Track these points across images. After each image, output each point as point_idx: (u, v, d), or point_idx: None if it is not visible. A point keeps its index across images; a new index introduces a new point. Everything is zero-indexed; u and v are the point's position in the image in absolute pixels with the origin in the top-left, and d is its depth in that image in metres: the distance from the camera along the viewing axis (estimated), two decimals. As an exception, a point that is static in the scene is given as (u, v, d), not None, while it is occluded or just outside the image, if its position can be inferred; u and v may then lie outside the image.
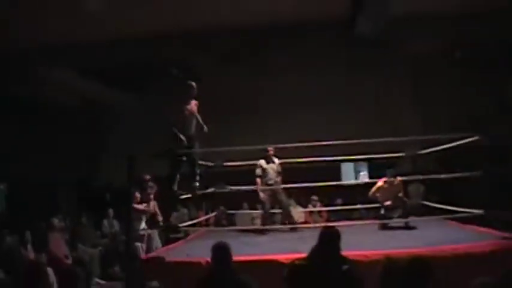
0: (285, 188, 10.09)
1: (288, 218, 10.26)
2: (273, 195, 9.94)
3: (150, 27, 12.01)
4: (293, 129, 14.17)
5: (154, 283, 4.36)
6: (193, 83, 8.72)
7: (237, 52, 14.07)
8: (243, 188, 9.37)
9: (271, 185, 9.83)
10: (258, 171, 9.85)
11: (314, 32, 13.00)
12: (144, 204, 9.86)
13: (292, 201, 13.99)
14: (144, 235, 9.87)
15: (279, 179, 10.08)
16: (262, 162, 9.94)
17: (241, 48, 13.73)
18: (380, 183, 9.84)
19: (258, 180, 9.81)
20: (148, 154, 7.39)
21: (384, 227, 9.50)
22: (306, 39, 13.51)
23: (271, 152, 10.00)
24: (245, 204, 13.45)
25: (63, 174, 15.70)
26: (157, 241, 10.11)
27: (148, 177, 10.09)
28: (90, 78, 14.71)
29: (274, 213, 10.57)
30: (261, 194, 9.83)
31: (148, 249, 9.49)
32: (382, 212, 9.72)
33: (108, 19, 11.22)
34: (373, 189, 9.88)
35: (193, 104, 8.76)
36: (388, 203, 9.61)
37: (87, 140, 16.52)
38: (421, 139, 11.52)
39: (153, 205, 10.06)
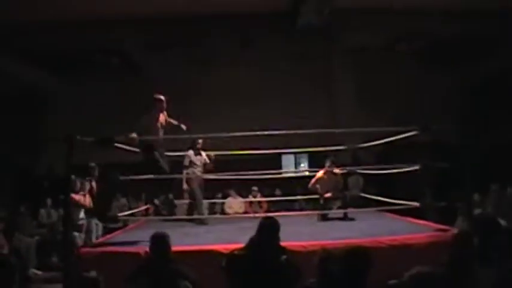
0: (213, 180, 9.98)
1: (194, 213, 10.07)
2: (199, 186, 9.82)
3: (90, 13, 11.78)
4: (233, 121, 14.14)
5: (92, 273, 4.27)
6: (162, 97, 8.50)
7: (178, 41, 13.98)
8: (172, 176, 9.11)
9: (198, 176, 9.71)
10: (186, 161, 9.69)
11: (257, 24, 12.99)
12: (81, 193, 9.68)
13: (232, 192, 14.03)
14: (82, 225, 9.71)
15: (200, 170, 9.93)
16: (190, 153, 9.78)
17: (183, 37, 13.63)
18: (320, 174, 9.91)
19: (185, 171, 9.63)
20: (89, 140, 7.21)
21: (324, 218, 9.57)
22: (248, 31, 13.51)
23: (199, 145, 9.84)
24: (186, 194, 13.37)
25: (3, 162, 15.32)
26: (96, 231, 9.96)
27: (93, 165, 9.92)
28: (31, 65, 14.36)
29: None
30: (185, 186, 9.62)
31: (87, 239, 9.33)
32: (321, 203, 9.77)
33: (51, 3, 10.98)
34: (313, 180, 9.95)
35: (161, 117, 8.51)
36: (328, 194, 9.69)
37: (28, 127, 16.13)
38: (361, 132, 11.66)
39: (88, 200, 9.86)
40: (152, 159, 8.05)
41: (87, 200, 9.81)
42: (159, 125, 8.47)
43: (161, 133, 8.53)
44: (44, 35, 12.76)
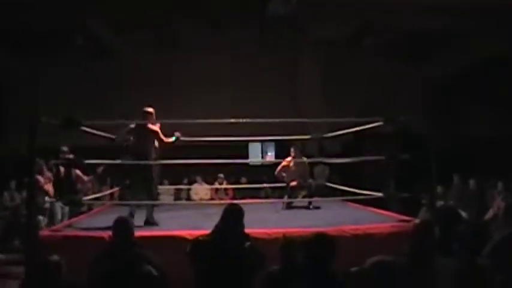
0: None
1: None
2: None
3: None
4: (201, 107, 14.10)
5: (55, 257, 4.25)
6: (151, 109, 8.25)
7: (147, 24, 13.88)
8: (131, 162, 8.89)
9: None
10: None
11: (228, 9, 12.95)
12: (46, 176, 9.59)
13: (198, 178, 14.03)
14: (46, 208, 9.62)
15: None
16: None
17: (152, 20, 13.53)
18: (285, 162, 9.97)
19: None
20: (54, 122, 7.11)
21: (288, 207, 9.63)
22: (219, 15, 13.47)
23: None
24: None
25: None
26: (60, 215, 9.87)
27: (65, 148, 9.80)
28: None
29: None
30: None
31: (51, 223, 9.25)
32: (288, 191, 9.84)
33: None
34: (279, 167, 10.01)
35: (149, 127, 8.18)
36: (293, 183, 9.75)
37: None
38: (327, 122, 11.73)
39: (50, 184, 9.76)
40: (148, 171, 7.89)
41: (49, 185, 9.72)
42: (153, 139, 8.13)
43: (148, 142, 8.29)
44: (5, 13, 12.46)
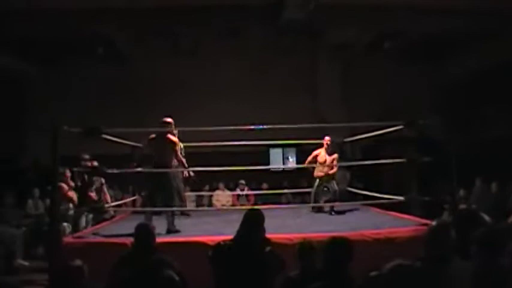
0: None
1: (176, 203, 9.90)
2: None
3: (74, 2, 11.69)
4: (220, 114, 14.13)
5: (78, 262, 4.30)
6: (170, 119, 8.29)
7: (164, 32, 13.96)
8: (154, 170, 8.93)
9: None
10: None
11: (241, 17, 12.99)
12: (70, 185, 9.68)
13: (220, 185, 14.06)
14: (71, 215, 9.70)
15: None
16: None
17: (169, 27, 13.61)
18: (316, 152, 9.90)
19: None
20: (76, 131, 7.20)
21: (318, 211, 9.66)
22: (236, 22, 13.50)
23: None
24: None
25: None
26: (84, 222, 9.94)
27: (87, 156, 9.89)
28: (14, 54, 14.24)
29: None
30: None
31: (75, 230, 9.32)
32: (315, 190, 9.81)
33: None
34: (309, 158, 9.94)
35: (168, 137, 8.22)
36: (320, 173, 9.71)
37: (12, 116, 16.02)
38: (347, 126, 11.72)
39: (71, 192, 9.82)
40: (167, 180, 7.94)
41: (73, 192, 9.80)
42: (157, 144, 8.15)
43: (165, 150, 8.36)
44: (25, 23, 12.59)
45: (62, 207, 8.92)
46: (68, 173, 9.69)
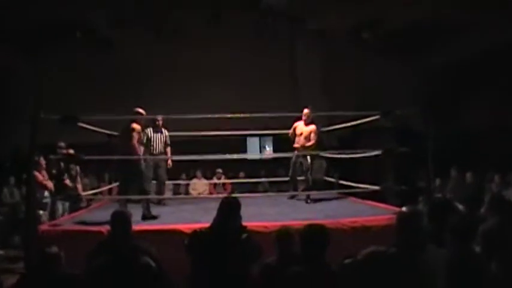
0: (178, 161, 9.88)
1: (159, 193, 9.85)
2: (155, 166, 9.67)
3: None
4: (199, 101, 14.09)
5: (54, 248, 4.29)
6: (141, 110, 8.30)
7: (146, 16, 13.86)
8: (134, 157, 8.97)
9: (155, 155, 9.63)
10: (143, 138, 9.27)
11: (222, 2, 12.95)
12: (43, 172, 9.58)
13: (198, 173, 14.06)
14: (47, 203, 9.64)
15: (167, 149, 9.85)
16: (149, 130, 9.63)
17: (151, 11, 13.52)
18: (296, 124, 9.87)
19: (142, 148, 9.20)
20: (53, 118, 7.14)
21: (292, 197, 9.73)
22: (219, 6, 13.47)
23: (160, 122, 9.69)
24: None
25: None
26: (61, 210, 9.87)
27: (62, 144, 9.79)
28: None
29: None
30: (143, 164, 8.81)
31: (52, 218, 9.26)
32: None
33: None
34: (290, 130, 9.90)
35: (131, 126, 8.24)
36: (296, 145, 9.74)
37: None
38: (325, 116, 11.75)
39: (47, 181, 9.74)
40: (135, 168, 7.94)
41: (49, 181, 9.72)
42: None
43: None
44: (3, 9, 12.39)
45: (38, 195, 8.87)
46: (43, 161, 9.58)
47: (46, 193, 9.64)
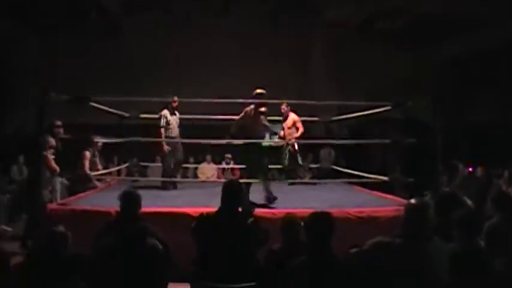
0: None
1: (174, 174, 9.98)
2: (174, 149, 9.63)
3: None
4: (210, 87, 14.09)
5: (61, 228, 4.32)
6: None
7: (158, 4, 13.86)
8: (149, 139, 9.07)
9: (174, 137, 9.57)
10: (162, 122, 9.38)
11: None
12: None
13: (207, 157, 14.08)
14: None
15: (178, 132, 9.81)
16: (166, 112, 9.49)
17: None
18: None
19: (162, 131, 9.37)
20: (64, 98, 7.16)
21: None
22: (229, 1, 13.46)
23: (176, 104, 9.58)
24: (158, 158, 13.34)
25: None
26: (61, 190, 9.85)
27: (59, 123, 9.73)
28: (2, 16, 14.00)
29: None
30: (166, 146, 9.35)
31: (53, 198, 9.22)
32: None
33: None
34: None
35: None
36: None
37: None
38: (336, 105, 11.74)
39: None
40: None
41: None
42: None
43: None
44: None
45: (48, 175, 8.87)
46: (52, 140, 9.52)
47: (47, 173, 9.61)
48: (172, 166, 9.59)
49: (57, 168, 9.30)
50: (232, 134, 8.56)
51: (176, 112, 9.66)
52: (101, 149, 10.40)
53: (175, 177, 9.92)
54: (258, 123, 7.97)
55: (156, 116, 9.50)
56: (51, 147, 9.13)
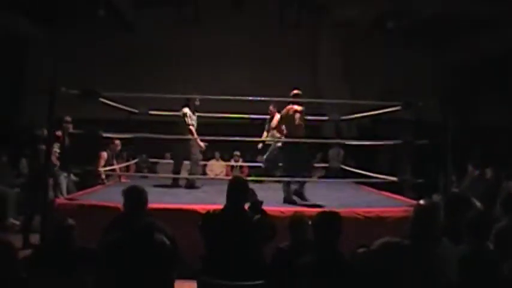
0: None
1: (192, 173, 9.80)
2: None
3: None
4: (219, 85, 14.08)
5: (70, 221, 4.33)
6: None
7: (167, 1, 13.88)
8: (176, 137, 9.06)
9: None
10: (189, 120, 9.25)
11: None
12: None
13: (216, 154, 14.08)
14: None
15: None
16: (188, 110, 9.35)
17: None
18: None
19: (193, 128, 9.23)
20: (73, 93, 7.17)
21: None
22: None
23: (198, 103, 9.48)
24: (167, 154, 13.35)
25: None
26: (67, 185, 9.85)
27: (69, 118, 9.72)
28: (13, 10, 14.01)
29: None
30: (202, 144, 9.27)
31: (58, 193, 9.19)
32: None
33: None
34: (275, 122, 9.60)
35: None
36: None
37: (9, 77, 15.91)
38: (345, 104, 11.72)
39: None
40: None
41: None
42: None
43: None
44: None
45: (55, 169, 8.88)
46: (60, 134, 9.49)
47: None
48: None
49: (57, 163, 9.29)
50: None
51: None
52: (119, 150, 10.49)
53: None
54: (297, 122, 7.87)
55: (167, 113, 9.55)
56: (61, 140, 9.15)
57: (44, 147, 8.47)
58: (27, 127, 14.68)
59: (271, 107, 10.15)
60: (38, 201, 7.57)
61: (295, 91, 8.18)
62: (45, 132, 9.10)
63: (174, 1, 14.39)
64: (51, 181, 9.00)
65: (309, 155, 8.28)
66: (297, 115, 7.81)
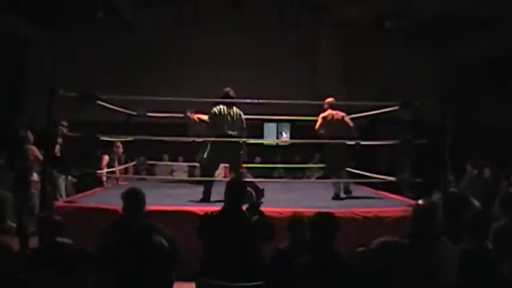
0: None
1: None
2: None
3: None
4: (218, 85, 14.03)
5: (57, 216, 4.36)
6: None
7: (167, 1, 13.86)
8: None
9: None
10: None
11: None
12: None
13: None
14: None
15: None
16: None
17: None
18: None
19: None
20: (71, 95, 7.15)
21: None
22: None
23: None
24: (165, 156, 13.36)
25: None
26: (66, 188, 9.85)
27: (65, 123, 9.70)
28: (13, 11, 14.00)
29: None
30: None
31: (57, 195, 9.19)
32: None
33: None
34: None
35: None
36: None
37: (9, 78, 15.88)
38: (343, 105, 11.70)
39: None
40: None
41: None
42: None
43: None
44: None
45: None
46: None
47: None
48: None
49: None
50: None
51: None
52: (121, 154, 10.48)
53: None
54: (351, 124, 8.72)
55: (165, 114, 9.58)
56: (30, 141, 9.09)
57: (29, 147, 8.52)
58: (27, 128, 14.69)
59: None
60: (24, 203, 7.66)
61: (331, 99, 8.84)
62: (29, 133, 9.18)
63: (174, 1, 14.37)
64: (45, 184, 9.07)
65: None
66: (347, 118, 8.65)
